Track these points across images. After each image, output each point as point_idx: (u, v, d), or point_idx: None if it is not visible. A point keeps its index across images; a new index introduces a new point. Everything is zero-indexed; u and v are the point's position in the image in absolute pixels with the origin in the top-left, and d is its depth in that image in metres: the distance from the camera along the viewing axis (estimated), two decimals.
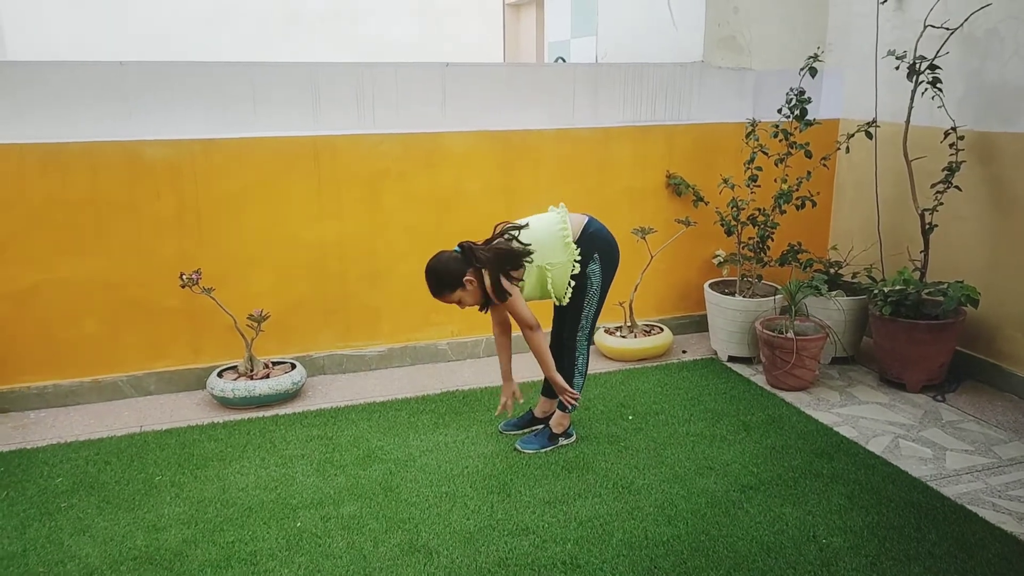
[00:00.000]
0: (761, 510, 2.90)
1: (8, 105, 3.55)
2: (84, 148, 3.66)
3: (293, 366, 3.99)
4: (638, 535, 2.74)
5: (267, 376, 3.84)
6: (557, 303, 3.24)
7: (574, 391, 3.27)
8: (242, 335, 3.85)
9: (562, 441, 3.39)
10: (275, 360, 4.03)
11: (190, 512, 2.89)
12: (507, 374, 3.38)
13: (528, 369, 3.93)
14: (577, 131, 4.42)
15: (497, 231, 3.15)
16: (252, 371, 3.87)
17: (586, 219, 3.23)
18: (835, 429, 3.55)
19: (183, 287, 3.68)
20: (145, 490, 3.05)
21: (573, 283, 3.16)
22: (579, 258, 3.14)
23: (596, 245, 3.17)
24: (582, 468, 3.20)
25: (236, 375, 3.87)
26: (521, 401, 3.43)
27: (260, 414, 3.72)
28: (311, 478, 3.12)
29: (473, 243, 3.07)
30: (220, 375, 3.87)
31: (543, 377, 3.38)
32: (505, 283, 3.03)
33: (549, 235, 3.12)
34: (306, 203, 4.04)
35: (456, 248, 3.07)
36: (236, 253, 3.98)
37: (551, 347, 3.34)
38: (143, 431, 3.57)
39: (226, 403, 3.77)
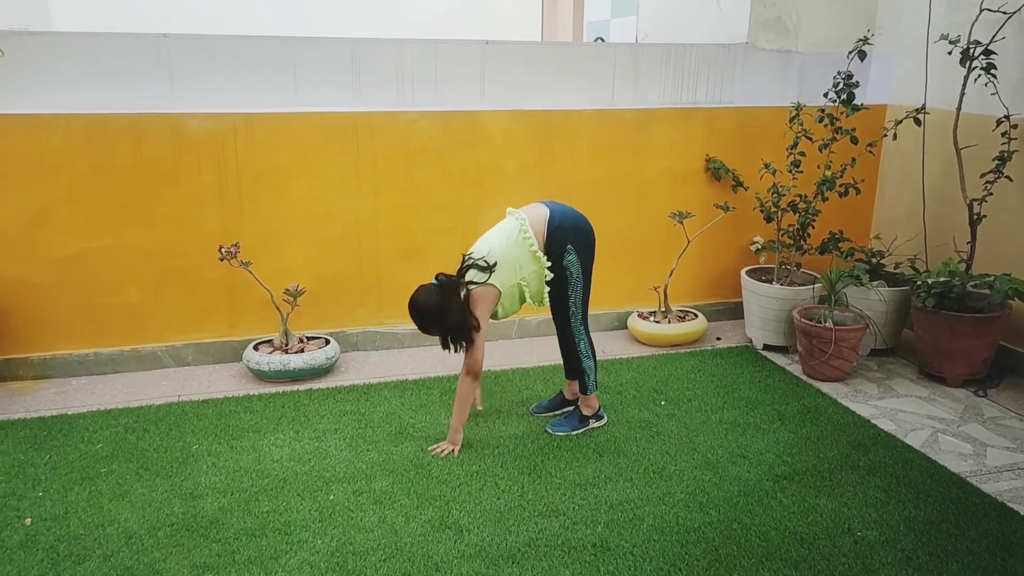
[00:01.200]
0: (795, 500, 2.86)
1: (54, 76, 3.60)
2: (128, 119, 3.71)
3: (327, 341, 4.02)
4: (669, 520, 2.73)
5: (302, 351, 3.88)
6: (534, 306, 3.18)
7: (455, 438, 3.17)
8: (278, 309, 3.88)
9: (593, 424, 3.38)
10: (310, 335, 4.06)
11: (226, 481, 2.94)
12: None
13: (549, 352, 3.93)
14: (616, 112, 4.36)
15: (465, 264, 3.07)
16: (287, 345, 3.91)
17: (546, 212, 3.12)
18: (872, 421, 3.50)
19: (221, 260, 3.72)
20: (183, 458, 3.11)
21: (549, 287, 3.12)
22: (551, 258, 3.10)
23: (566, 237, 3.10)
24: (613, 452, 3.19)
25: (271, 349, 3.91)
26: (480, 409, 3.43)
27: (294, 388, 3.76)
28: (344, 452, 3.15)
29: (450, 275, 3.02)
30: (256, 348, 3.92)
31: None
32: (481, 313, 3.01)
33: (517, 250, 3.05)
34: (344, 179, 4.06)
35: (434, 281, 3.02)
36: (274, 227, 4.02)
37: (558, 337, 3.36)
38: (181, 400, 3.63)
39: (261, 376, 3.82)
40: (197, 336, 4.06)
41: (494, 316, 3.13)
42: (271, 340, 3.99)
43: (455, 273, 3.04)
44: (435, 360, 4.14)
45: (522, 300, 3.15)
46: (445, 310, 2.97)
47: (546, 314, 4.44)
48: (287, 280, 3.92)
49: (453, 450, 3.14)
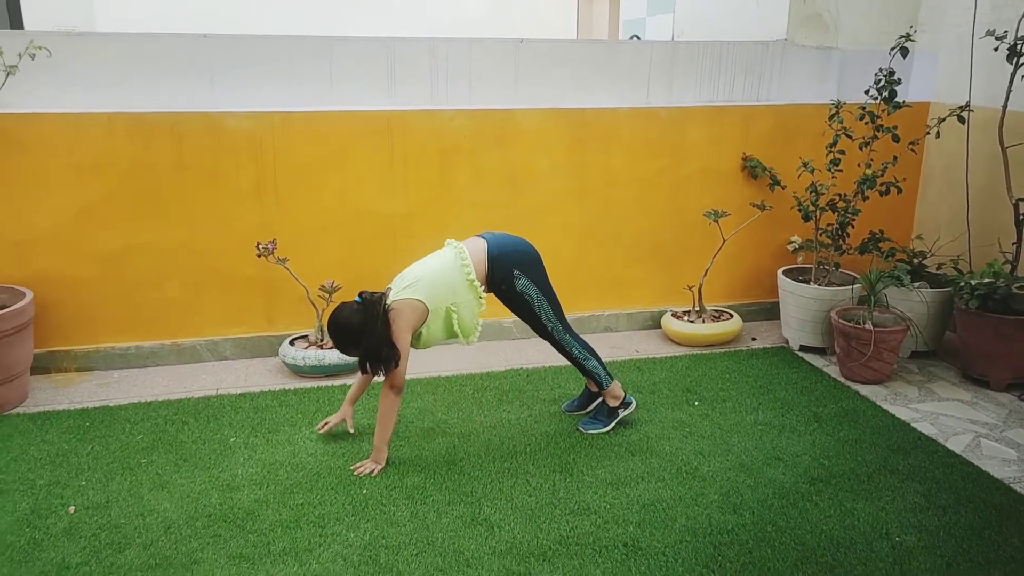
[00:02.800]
0: (831, 504, 2.82)
1: (98, 74, 3.68)
2: (169, 118, 3.78)
3: None
4: (702, 521, 2.71)
5: None
6: (463, 342, 3.10)
7: (379, 457, 3.02)
8: (313, 305, 3.93)
9: (622, 412, 3.36)
10: None
11: (262, 474, 2.98)
12: (352, 399, 3.28)
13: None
14: (651, 110, 4.33)
15: (389, 287, 3.04)
16: (323, 341, 3.96)
17: (484, 244, 3.08)
18: (912, 425, 3.43)
19: (259, 256, 3.78)
20: (220, 450, 3.16)
21: (474, 323, 3.07)
22: (504, 289, 3.08)
23: (510, 264, 3.06)
24: (646, 451, 3.17)
25: (307, 344, 3.96)
26: (351, 432, 3.25)
27: (329, 383, 3.80)
28: (392, 443, 3.16)
29: (374, 293, 2.94)
30: (292, 343, 3.97)
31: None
32: (403, 326, 2.90)
33: (453, 274, 2.99)
34: (378, 177, 4.09)
35: (356, 298, 2.93)
36: (310, 224, 4.07)
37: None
38: (219, 394, 3.70)
39: (297, 371, 3.87)
40: (235, 331, 4.13)
41: (415, 342, 3.02)
42: (307, 336, 4.05)
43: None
44: (468, 358, 4.16)
45: (449, 331, 3.04)
46: (366, 330, 2.85)
47: (574, 312, 4.45)
48: (322, 276, 3.96)
49: (375, 469, 2.99)
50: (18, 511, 2.73)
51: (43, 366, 3.90)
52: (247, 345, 4.14)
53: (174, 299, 4.01)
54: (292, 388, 3.75)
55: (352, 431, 3.25)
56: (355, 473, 2.99)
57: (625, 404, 3.37)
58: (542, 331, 3.21)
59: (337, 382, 3.81)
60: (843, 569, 2.47)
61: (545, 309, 3.15)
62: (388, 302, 2.94)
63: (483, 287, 3.07)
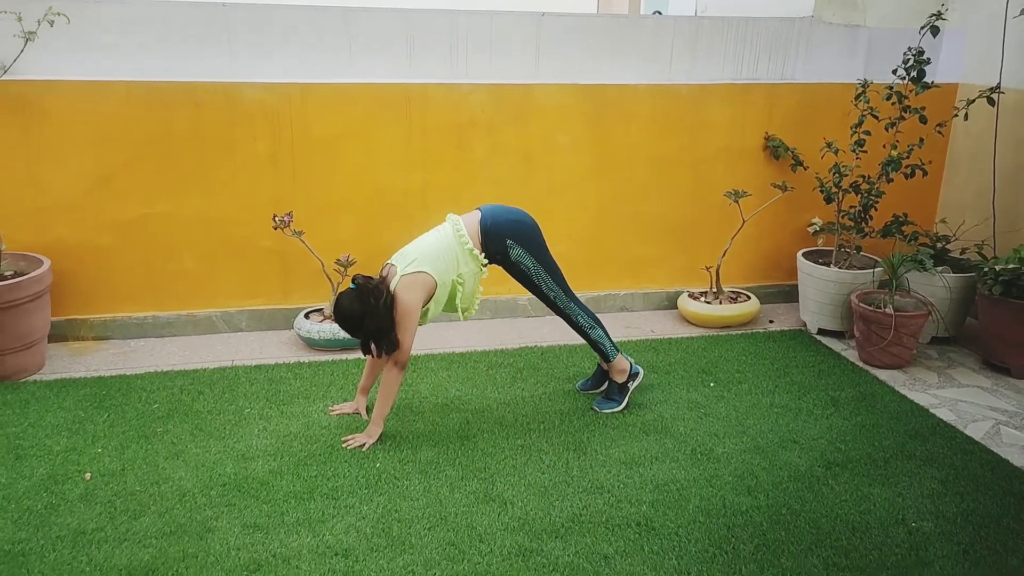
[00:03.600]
0: (847, 488, 2.79)
1: (117, 42, 3.66)
2: (186, 88, 3.76)
3: None
4: (715, 503, 2.69)
5: None
6: (462, 317, 3.10)
7: (373, 431, 3.01)
8: (329, 279, 3.92)
9: (631, 385, 3.34)
10: None
11: (276, 445, 2.99)
12: (364, 390, 3.27)
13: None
14: (673, 87, 4.26)
15: (383, 273, 3.01)
16: None
17: (478, 216, 3.06)
18: (931, 411, 3.38)
19: (275, 229, 3.77)
20: (235, 420, 3.17)
21: (482, 291, 3.08)
22: (498, 261, 3.06)
23: (503, 235, 3.02)
24: (660, 432, 3.15)
25: (322, 317, 3.96)
26: (364, 417, 3.19)
27: (343, 357, 3.80)
28: (390, 422, 3.17)
29: (369, 277, 2.92)
30: (307, 316, 3.97)
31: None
32: (412, 300, 2.89)
33: (453, 246, 2.98)
34: (395, 150, 4.06)
35: (352, 284, 2.91)
36: (326, 197, 4.05)
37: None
38: (234, 365, 3.71)
39: (312, 344, 3.87)
40: (251, 303, 4.14)
41: (423, 317, 3.00)
42: (322, 309, 4.04)
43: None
44: (482, 335, 4.14)
45: (450, 302, 3.05)
46: (366, 314, 2.84)
47: (590, 291, 4.42)
48: (338, 250, 3.95)
49: (366, 443, 2.97)
50: (35, 476, 2.75)
51: (61, 334, 3.92)
52: (262, 317, 4.15)
53: (190, 269, 4.02)
54: (307, 361, 3.75)
55: (366, 418, 3.21)
56: (343, 445, 2.98)
57: (632, 375, 3.35)
58: (545, 300, 3.20)
59: (351, 356, 3.81)
60: (858, 554, 2.45)
61: (544, 278, 3.12)
62: (395, 277, 2.92)
63: (483, 256, 3.05)
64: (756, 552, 2.45)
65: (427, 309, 3.01)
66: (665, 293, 4.59)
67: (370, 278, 2.93)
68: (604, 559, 2.40)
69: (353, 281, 2.91)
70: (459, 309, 3.09)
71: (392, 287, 2.92)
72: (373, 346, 2.93)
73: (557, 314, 3.24)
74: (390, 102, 3.98)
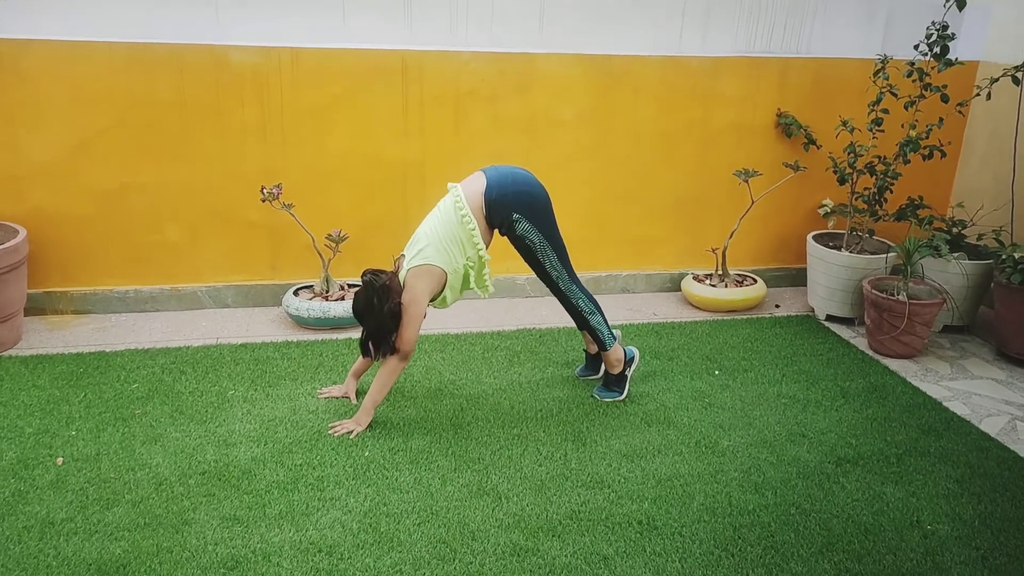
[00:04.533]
0: (859, 487, 2.66)
1: (96, 1, 3.45)
2: (170, 50, 3.56)
3: None
4: (721, 500, 2.56)
5: (342, 298, 3.76)
6: (481, 294, 2.95)
7: (363, 419, 2.86)
8: (320, 255, 3.75)
9: (629, 371, 3.18)
10: (351, 283, 3.94)
11: (260, 430, 2.85)
12: (356, 374, 3.13)
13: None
14: (682, 59, 4.06)
15: (396, 265, 2.87)
16: (328, 292, 3.79)
17: (483, 183, 2.83)
18: (944, 404, 3.25)
19: (263, 201, 3.59)
20: (218, 403, 3.03)
21: (484, 277, 2.91)
22: (502, 232, 2.88)
23: (508, 207, 2.81)
24: (663, 423, 3.01)
25: (312, 295, 3.80)
26: (354, 402, 3.05)
27: (333, 336, 3.65)
28: (381, 407, 3.02)
29: (378, 272, 2.78)
30: (296, 294, 3.81)
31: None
32: (420, 291, 2.76)
33: (458, 230, 2.79)
34: (391, 120, 3.87)
35: (361, 277, 2.80)
36: (318, 168, 3.86)
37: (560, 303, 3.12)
38: (219, 343, 3.55)
39: (300, 322, 3.72)
40: (237, 278, 3.97)
41: (442, 304, 2.89)
42: (312, 286, 3.88)
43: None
44: (479, 316, 3.99)
45: (465, 285, 2.91)
46: (371, 310, 2.72)
47: (591, 271, 4.26)
48: (330, 224, 3.78)
49: (354, 431, 2.82)
50: (4, 460, 2.61)
51: (39, 307, 3.76)
52: (249, 293, 3.98)
53: (174, 242, 3.84)
54: (295, 340, 3.60)
55: (356, 403, 3.07)
56: (330, 432, 2.84)
57: (628, 362, 3.19)
58: (546, 279, 3.00)
59: (342, 335, 3.66)
60: (871, 558, 2.32)
61: (549, 256, 2.92)
62: (404, 268, 2.78)
63: (489, 231, 2.88)
64: (764, 555, 2.32)
65: (444, 296, 2.86)
66: (669, 275, 4.43)
67: (378, 274, 2.77)
68: (603, 560, 2.27)
69: (363, 275, 2.78)
70: (476, 288, 2.94)
71: (401, 279, 2.79)
72: (371, 347, 2.81)
73: (556, 296, 3.07)
74: (386, 69, 3.78)
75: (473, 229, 2.80)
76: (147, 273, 3.86)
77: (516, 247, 2.94)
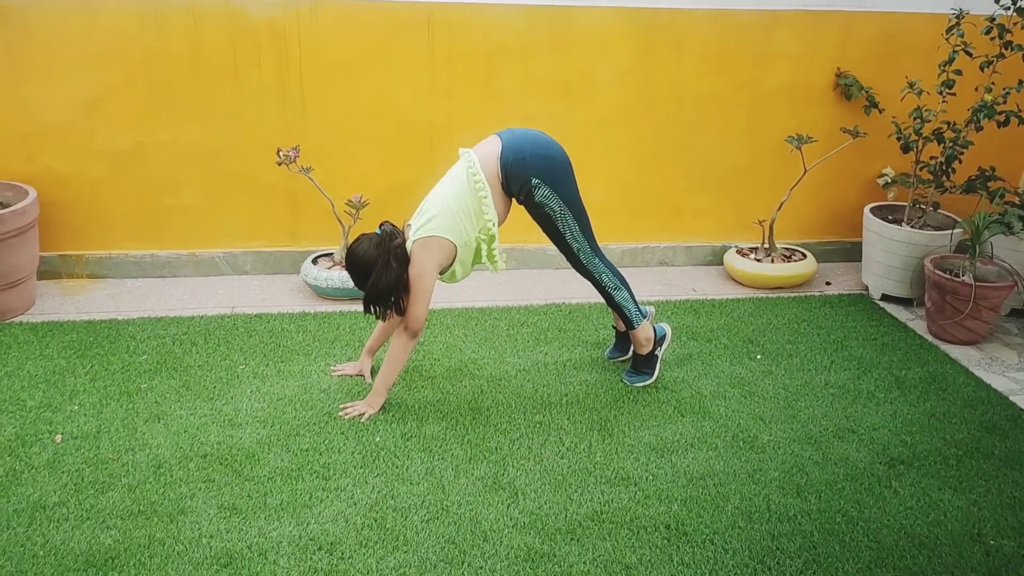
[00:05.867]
0: (913, 492, 2.41)
1: None
2: (184, 3, 3.36)
3: None
4: (758, 504, 2.34)
5: None
6: (492, 269, 2.72)
7: (375, 401, 2.70)
8: (340, 221, 3.57)
9: (660, 351, 2.96)
10: None
11: (268, 410, 2.70)
12: (371, 350, 2.94)
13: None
14: (733, 12, 3.72)
15: (404, 234, 2.65)
16: None
17: (498, 148, 2.58)
18: (1011, 398, 2.96)
19: (279, 164, 3.41)
20: (227, 379, 2.89)
21: (494, 251, 2.66)
22: (520, 200, 2.64)
23: (527, 171, 2.57)
24: (698, 412, 2.79)
25: (331, 263, 3.63)
26: (368, 381, 2.90)
27: (352, 308, 3.48)
28: (396, 388, 2.86)
29: (395, 227, 2.59)
30: (315, 262, 3.64)
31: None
32: (427, 264, 2.56)
33: (471, 200, 2.56)
34: (416, 78, 3.63)
35: (377, 230, 2.58)
36: (339, 128, 3.66)
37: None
38: (234, 313, 3.42)
39: (319, 292, 3.55)
40: (256, 244, 3.82)
41: (451, 278, 2.68)
42: (332, 254, 3.71)
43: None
44: (506, 289, 3.78)
45: (477, 258, 2.69)
46: (376, 268, 2.53)
47: (627, 242, 4.01)
48: (352, 188, 3.58)
49: (366, 413, 2.67)
50: (2, 436, 2.50)
51: (54, 270, 3.66)
52: (268, 260, 3.83)
53: (191, 205, 3.69)
54: (312, 312, 3.44)
55: (370, 381, 2.91)
56: (341, 414, 2.68)
57: (659, 341, 2.96)
58: (567, 251, 2.76)
59: (361, 307, 3.47)
60: None
61: (570, 225, 2.68)
62: (410, 239, 2.57)
63: (505, 200, 2.66)
64: (804, 569, 2.10)
65: (453, 270, 2.66)
66: (710, 247, 4.15)
67: (398, 229, 2.60)
68: (625, 570, 2.08)
69: (380, 227, 2.58)
70: (487, 263, 2.71)
71: (408, 249, 2.58)
72: (373, 307, 2.60)
73: (578, 269, 2.82)
74: (411, 22, 3.53)
75: (485, 197, 2.56)
76: (164, 237, 3.73)
77: (534, 216, 2.71)
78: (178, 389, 2.81)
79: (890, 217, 3.80)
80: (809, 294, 3.82)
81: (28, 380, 2.82)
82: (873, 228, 3.75)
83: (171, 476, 2.36)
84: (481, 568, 2.06)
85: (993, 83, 3.47)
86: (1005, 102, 3.48)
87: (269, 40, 3.46)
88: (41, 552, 2.05)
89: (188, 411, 2.68)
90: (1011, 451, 2.64)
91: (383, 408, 2.71)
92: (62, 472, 2.35)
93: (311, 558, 2.07)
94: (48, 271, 3.63)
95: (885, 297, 3.78)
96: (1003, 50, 3.42)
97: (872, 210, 3.84)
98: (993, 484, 2.47)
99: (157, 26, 3.37)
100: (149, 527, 2.15)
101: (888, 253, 3.68)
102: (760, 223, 3.92)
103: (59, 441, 2.49)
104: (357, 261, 2.58)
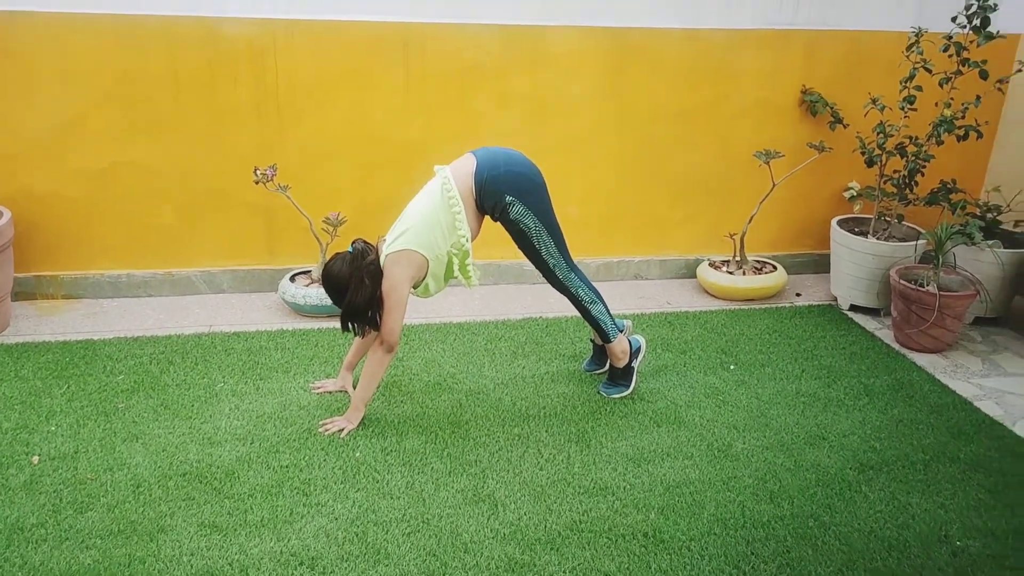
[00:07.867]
0: (882, 497, 2.48)
1: None
2: (161, 22, 3.38)
3: None
4: (733, 510, 2.39)
5: None
6: (467, 284, 2.76)
7: (354, 416, 2.72)
8: (317, 239, 3.59)
9: (636, 362, 3.01)
10: None
11: (247, 428, 2.71)
12: (350, 366, 2.98)
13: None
14: (703, 32, 3.82)
15: (377, 248, 2.69)
16: None
17: (473, 165, 2.64)
18: (975, 404, 3.05)
19: (257, 183, 3.43)
20: (205, 397, 2.89)
21: (468, 266, 2.71)
22: (495, 218, 2.69)
23: (501, 189, 2.62)
24: (673, 422, 2.84)
25: (309, 281, 3.65)
26: (350, 392, 2.91)
27: (330, 325, 3.50)
28: (376, 403, 2.88)
29: (370, 243, 2.62)
30: (292, 279, 3.66)
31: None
32: (399, 278, 2.60)
33: (444, 215, 2.60)
34: (392, 97, 3.68)
35: (350, 248, 2.62)
36: (316, 147, 3.69)
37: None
38: (212, 331, 3.42)
39: (297, 309, 3.57)
40: (234, 262, 3.83)
41: (424, 293, 2.71)
42: (310, 271, 3.73)
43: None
44: (483, 304, 3.82)
45: (449, 274, 2.72)
46: (350, 285, 2.56)
47: (602, 256, 4.07)
48: (329, 206, 3.61)
49: (345, 429, 2.68)
50: None
51: (29, 291, 3.64)
52: (246, 278, 3.84)
53: (169, 225, 3.70)
54: (290, 329, 3.45)
55: (350, 392, 2.93)
56: (320, 430, 2.69)
57: (634, 353, 3.01)
58: (542, 267, 2.80)
59: (339, 324, 3.49)
60: None
61: (546, 242, 2.73)
62: (383, 254, 2.60)
63: (478, 217, 2.70)
64: (779, 573, 2.15)
65: (426, 284, 2.69)
66: (684, 260, 4.23)
67: (371, 246, 2.62)
68: None
69: (352, 244, 2.61)
70: (461, 277, 2.75)
71: (381, 264, 2.62)
72: (350, 324, 2.63)
73: (553, 285, 2.87)
74: (386, 43, 3.58)
75: (459, 213, 2.60)
76: (140, 257, 3.73)
77: (510, 233, 2.75)
78: (156, 408, 2.81)
79: (856, 229, 3.91)
80: (780, 305, 3.91)
81: (3, 402, 2.80)
82: (840, 240, 3.85)
83: (150, 495, 2.36)
84: None
85: (952, 99, 3.60)
86: (964, 117, 3.60)
87: (246, 59, 3.49)
88: (20, 573, 2.04)
89: (166, 430, 2.68)
90: (976, 455, 2.72)
91: (362, 423, 2.73)
92: (40, 493, 2.34)
93: (292, 574, 2.08)
94: (23, 292, 3.61)
95: (854, 307, 3.87)
96: (960, 67, 3.54)
97: (839, 223, 3.95)
98: (959, 487, 2.54)
99: (134, 45, 3.39)
100: (129, 546, 2.14)
101: (855, 264, 3.77)
102: (732, 236, 4.01)
103: (36, 463, 2.48)
104: (332, 280, 2.61)
